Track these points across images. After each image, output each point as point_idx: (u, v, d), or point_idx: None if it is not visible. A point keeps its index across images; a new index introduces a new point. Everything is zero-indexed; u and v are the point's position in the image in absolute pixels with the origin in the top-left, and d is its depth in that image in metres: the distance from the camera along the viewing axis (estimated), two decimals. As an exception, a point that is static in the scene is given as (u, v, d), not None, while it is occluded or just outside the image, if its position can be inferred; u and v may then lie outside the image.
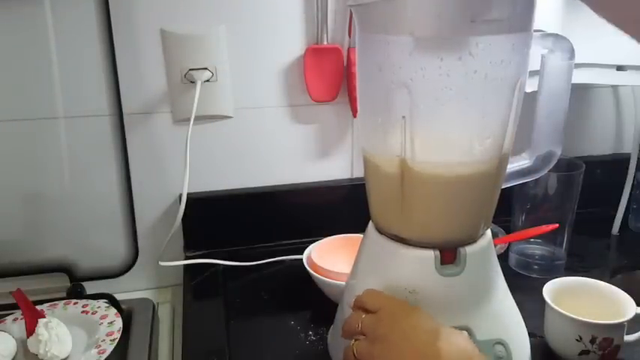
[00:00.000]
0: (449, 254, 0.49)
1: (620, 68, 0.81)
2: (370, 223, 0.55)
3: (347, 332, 0.49)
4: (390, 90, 0.45)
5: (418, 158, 0.46)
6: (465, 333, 0.46)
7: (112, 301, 0.71)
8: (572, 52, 0.51)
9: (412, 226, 0.49)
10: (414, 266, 0.49)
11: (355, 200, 0.89)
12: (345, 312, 0.55)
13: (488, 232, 0.53)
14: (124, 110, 0.74)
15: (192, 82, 0.75)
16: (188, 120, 0.73)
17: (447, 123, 0.46)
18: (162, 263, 0.75)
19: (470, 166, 0.46)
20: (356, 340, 0.47)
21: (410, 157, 0.46)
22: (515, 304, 0.54)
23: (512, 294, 0.54)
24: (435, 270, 0.48)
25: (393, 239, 0.51)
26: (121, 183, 0.77)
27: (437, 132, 0.46)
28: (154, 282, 0.85)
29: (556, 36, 0.50)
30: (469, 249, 0.49)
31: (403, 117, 0.45)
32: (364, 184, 0.54)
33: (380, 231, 0.53)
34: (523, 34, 0.44)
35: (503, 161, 0.48)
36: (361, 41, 0.48)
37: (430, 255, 0.48)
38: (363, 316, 0.47)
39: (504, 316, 0.52)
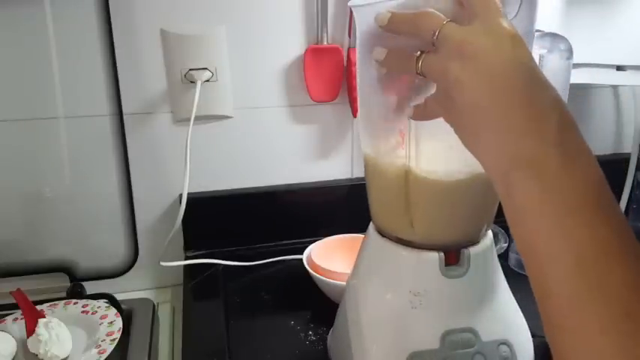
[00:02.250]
0: (452, 256, 0.49)
1: (620, 68, 0.81)
2: (371, 225, 0.54)
3: (414, 32, 0.38)
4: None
5: (423, 164, 0.45)
6: None
7: (112, 301, 0.71)
8: (570, 52, 0.51)
9: (415, 229, 0.49)
10: (419, 268, 0.49)
11: (355, 200, 0.89)
12: (345, 313, 0.55)
13: (490, 232, 0.53)
14: (124, 110, 0.74)
15: (192, 82, 0.75)
16: (188, 120, 0.73)
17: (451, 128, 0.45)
18: (163, 263, 0.75)
19: (474, 171, 0.46)
20: (423, 52, 0.38)
21: (414, 163, 0.46)
22: (516, 304, 0.54)
23: (513, 294, 0.54)
24: (439, 272, 0.48)
25: (395, 241, 0.50)
26: (121, 183, 0.77)
27: (441, 136, 0.45)
28: (154, 282, 0.85)
29: (554, 35, 0.50)
30: (472, 250, 0.49)
31: (408, 120, 0.44)
32: (364, 184, 0.53)
33: (381, 233, 0.52)
34: (525, 36, 0.44)
35: None
36: (362, 43, 0.47)
37: (434, 257, 0.48)
38: (446, 22, 0.37)
39: (508, 316, 0.52)
